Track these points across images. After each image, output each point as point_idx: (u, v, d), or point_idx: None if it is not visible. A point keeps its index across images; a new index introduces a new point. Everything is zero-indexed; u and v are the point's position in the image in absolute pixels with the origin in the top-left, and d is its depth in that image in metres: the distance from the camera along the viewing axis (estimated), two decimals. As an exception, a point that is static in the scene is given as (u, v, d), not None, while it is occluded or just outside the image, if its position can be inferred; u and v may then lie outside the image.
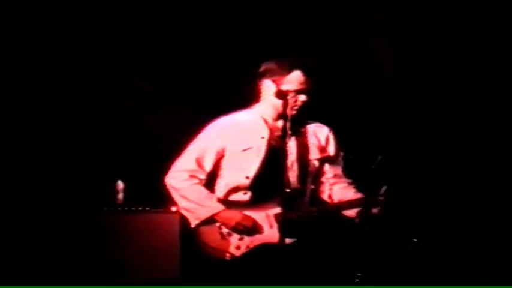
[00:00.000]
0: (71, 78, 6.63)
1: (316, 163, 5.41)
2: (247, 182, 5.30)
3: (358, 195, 5.36)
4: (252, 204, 5.32)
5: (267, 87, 5.31)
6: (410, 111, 6.66)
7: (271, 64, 5.33)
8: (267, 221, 5.26)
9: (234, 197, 5.33)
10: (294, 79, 5.28)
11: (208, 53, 6.72)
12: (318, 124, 5.47)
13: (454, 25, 6.71)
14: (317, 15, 6.76)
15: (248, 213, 5.27)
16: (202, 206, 5.26)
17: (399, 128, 6.61)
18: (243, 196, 5.32)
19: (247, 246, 5.23)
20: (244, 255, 5.22)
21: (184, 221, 5.67)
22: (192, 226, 5.28)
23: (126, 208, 6.17)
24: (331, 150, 5.45)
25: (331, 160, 5.44)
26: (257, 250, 5.22)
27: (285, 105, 5.21)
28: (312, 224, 5.30)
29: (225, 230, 5.25)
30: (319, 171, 5.44)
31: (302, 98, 5.26)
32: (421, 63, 6.75)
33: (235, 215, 5.24)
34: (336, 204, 5.37)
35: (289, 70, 5.28)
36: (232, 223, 5.22)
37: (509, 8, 6.57)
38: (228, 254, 5.23)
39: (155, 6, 6.67)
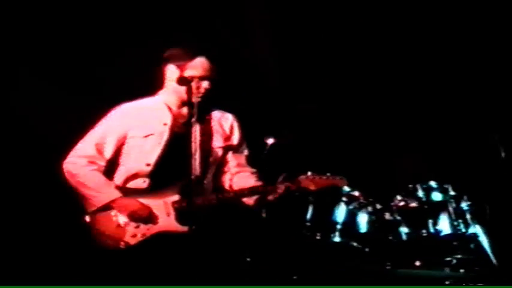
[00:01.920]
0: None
1: (220, 151, 5.37)
2: (147, 169, 5.20)
3: (259, 184, 5.35)
4: (150, 191, 5.22)
5: (171, 72, 5.25)
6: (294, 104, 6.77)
7: (176, 50, 5.28)
8: (164, 209, 5.17)
9: (132, 184, 5.22)
10: (198, 65, 5.24)
11: (102, 53, 6.61)
12: (223, 112, 5.42)
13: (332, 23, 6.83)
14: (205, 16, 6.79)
15: (145, 201, 5.17)
16: (100, 192, 5.14)
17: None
18: (142, 184, 5.22)
19: (143, 235, 5.11)
20: (139, 243, 5.11)
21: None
22: (88, 212, 5.15)
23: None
24: (235, 138, 5.41)
25: (234, 149, 5.41)
26: (153, 238, 5.12)
27: (188, 91, 5.16)
28: (211, 212, 5.22)
29: (121, 218, 5.14)
30: (223, 160, 5.41)
31: (205, 84, 5.22)
32: (301, 61, 6.81)
33: (131, 203, 5.13)
34: (235, 192, 5.31)
35: (193, 56, 5.24)
36: (128, 211, 5.11)
37: None
38: (122, 243, 5.11)
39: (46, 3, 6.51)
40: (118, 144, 5.20)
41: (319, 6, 6.90)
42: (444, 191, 6.37)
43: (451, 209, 6.31)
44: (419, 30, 6.89)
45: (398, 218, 6.37)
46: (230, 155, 5.37)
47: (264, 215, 5.53)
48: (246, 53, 6.93)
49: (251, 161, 5.45)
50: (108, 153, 5.18)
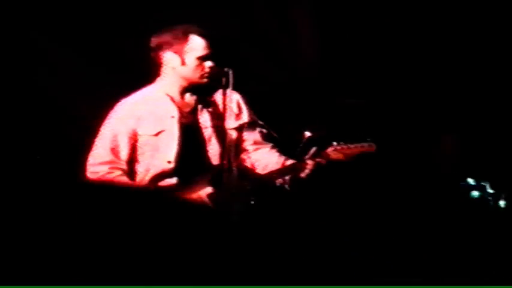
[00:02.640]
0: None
1: (234, 132, 5.29)
2: (170, 166, 5.15)
3: (282, 159, 5.30)
4: (181, 187, 5.17)
5: (170, 60, 5.19)
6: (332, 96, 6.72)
7: (164, 36, 5.22)
8: (201, 202, 5.12)
9: (163, 183, 5.18)
10: (197, 45, 5.18)
11: (127, 26, 6.55)
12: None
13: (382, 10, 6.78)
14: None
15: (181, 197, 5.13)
16: None
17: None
18: (171, 180, 5.18)
19: None
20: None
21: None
22: None
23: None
24: (245, 116, 5.35)
25: (247, 126, 5.34)
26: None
27: (195, 74, 5.14)
28: (247, 198, 5.20)
29: None
30: (239, 140, 5.33)
31: (209, 63, 5.16)
32: (344, 49, 6.77)
33: None
34: (267, 174, 5.26)
35: (185, 37, 5.19)
36: None
37: None
38: None
39: None
40: (131, 143, 5.18)
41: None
42: (482, 189, 6.18)
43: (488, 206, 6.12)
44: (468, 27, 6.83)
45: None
46: (245, 133, 5.31)
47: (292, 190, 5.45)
48: (288, 42, 6.89)
49: (282, 148, 5.43)
50: (125, 155, 5.16)
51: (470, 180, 6.13)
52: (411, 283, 5.57)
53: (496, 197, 6.10)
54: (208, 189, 5.08)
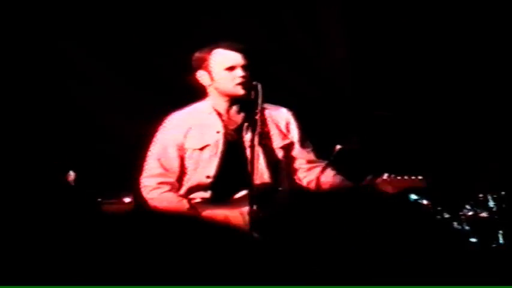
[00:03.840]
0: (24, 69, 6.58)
1: (281, 152, 5.30)
2: (208, 181, 5.20)
3: (339, 178, 5.35)
4: (220, 202, 5.22)
5: (203, 78, 5.22)
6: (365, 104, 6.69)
7: (195, 56, 5.26)
8: (242, 219, 5.12)
9: (195, 195, 5.22)
10: (219, 57, 5.18)
11: (161, 44, 6.69)
12: (275, 107, 5.33)
13: (411, 17, 6.74)
14: (270, 5, 6.77)
15: (222, 212, 5.15)
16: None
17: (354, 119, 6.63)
18: (204, 194, 5.22)
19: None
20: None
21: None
22: None
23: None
24: (295, 135, 5.34)
25: (297, 145, 5.34)
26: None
27: (226, 86, 5.13)
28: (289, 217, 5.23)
29: None
30: (289, 159, 5.33)
31: (239, 73, 5.13)
32: (375, 57, 6.76)
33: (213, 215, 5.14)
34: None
35: (210, 53, 5.21)
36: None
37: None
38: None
39: None
40: (180, 155, 5.20)
41: (400, 10, 6.82)
42: None
43: None
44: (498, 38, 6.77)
45: (467, 228, 6.22)
46: (296, 152, 5.31)
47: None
48: (319, 55, 6.88)
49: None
50: (174, 167, 5.19)
51: (504, 193, 6.18)
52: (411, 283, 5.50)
53: None
54: (247, 208, 5.07)
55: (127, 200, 5.97)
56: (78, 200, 5.98)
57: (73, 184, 6.04)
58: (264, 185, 5.19)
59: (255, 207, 5.01)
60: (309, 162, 5.32)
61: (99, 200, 6.04)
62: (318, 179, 5.34)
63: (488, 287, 5.27)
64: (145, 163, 5.26)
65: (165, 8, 6.65)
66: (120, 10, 6.65)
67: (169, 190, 5.21)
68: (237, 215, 5.14)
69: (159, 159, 5.20)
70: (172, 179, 5.21)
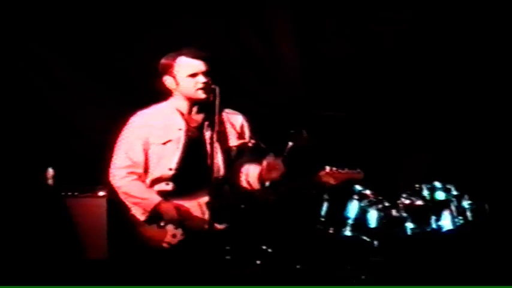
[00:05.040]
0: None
1: (235, 150, 5.63)
2: (170, 173, 5.47)
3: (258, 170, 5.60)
4: (180, 194, 5.49)
5: (169, 83, 5.52)
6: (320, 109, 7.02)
7: (162, 62, 5.54)
8: (199, 209, 5.47)
9: (158, 187, 5.50)
10: (182, 64, 5.45)
11: (125, 45, 7.01)
12: (232, 112, 5.63)
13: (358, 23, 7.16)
14: (227, 13, 7.10)
15: (181, 202, 5.46)
16: (144, 199, 5.47)
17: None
18: (166, 186, 5.50)
19: (182, 234, 5.44)
20: (179, 242, 5.43)
21: (111, 204, 6.20)
22: (142, 219, 5.46)
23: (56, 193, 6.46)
24: (247, 137, 5.64)
25: (247, 146, 5.64)
26: (191, 237, 5.42)
27: (189, 90, 5.42)
28: (239, 208, 5.57)
29: (162, 221, 5.45)
30: (238, 158, 5.64)
31: (201, 79, 5.42)
32: (322, 64, 7.14)
33: (170, 206, 5.43)
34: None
35: (174, 60, 5.48)
36: (171, 214, 5.42)
37: None
38: (165, 244, 5.42)
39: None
40: (145, 150, 5.51)
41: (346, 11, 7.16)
42: (447, 191, 6.66)
43: (453, 207, 6.61)
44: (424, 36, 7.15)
45: (405, 214, 6.65)
46: (243, 152, 5.65)
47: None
48: (270, 57, 7.23)
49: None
50: (140, 159, 5.51)
51: (437, 183, 6.68)
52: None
53: (460, 198, 6.68)
54: (207, 198, 5.41)
55: (101, 193, 6.46)
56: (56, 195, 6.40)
57: (51, 180, 6.50)
58: (219, 178, 5.49)
59: (212, 198, 5.30)
60: (252, 162, 5.63)
61: (75, 194, 6.49)
62: (248, 180, 5.66)
63: (488, 287, 5.57)
64: (114, 156, 5.57)
65: (134, 12, 7.00)
66: (91, 12, 6.95)
67: (137, 179, 5.54)
68: (195, 205, 5.48)
69: (126, 153, 5.52)
70: (140, 170, 5.54)
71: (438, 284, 6.10)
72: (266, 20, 7.23)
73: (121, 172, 5.53)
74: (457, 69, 7.16)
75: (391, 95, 7.24)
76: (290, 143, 5.81)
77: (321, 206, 6.64)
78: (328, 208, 6.64)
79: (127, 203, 5.52)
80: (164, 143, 5.51)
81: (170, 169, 5.49)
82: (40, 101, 6.99)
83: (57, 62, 7.04)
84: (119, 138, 5.58)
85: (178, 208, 5.45)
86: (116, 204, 5.79)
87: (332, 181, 5.70)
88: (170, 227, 5.44)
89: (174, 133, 5.52)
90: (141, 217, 5.47)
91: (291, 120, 6.59)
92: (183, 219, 5.43)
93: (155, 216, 5.45)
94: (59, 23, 6.96)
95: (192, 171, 5.47)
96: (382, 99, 7.24)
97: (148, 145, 5.51)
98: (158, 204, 5.45)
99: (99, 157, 6.03)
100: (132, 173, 5.51)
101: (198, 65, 5.47)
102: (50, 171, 6.53)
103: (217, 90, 5.36)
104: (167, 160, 5.50)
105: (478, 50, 7.13)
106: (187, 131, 5.52)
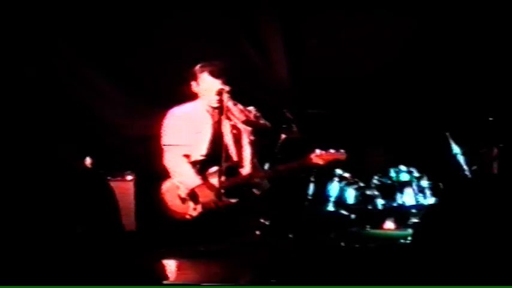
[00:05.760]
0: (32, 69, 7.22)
1: (246, 136, 6.31)
2: (201, 158, 6.20)
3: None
4: (202, 174, 6.14)
5: (195, 87, 6.27)
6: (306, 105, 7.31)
7: (192, 70, 6.22)
8: (213, 187, 6.11)
9: (195, 169, 6.20)
10: (204, 79, 6.16)
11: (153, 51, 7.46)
12: (244, 108, 6.26)
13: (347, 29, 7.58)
14: (226, 27, 7.58)
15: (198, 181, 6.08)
16: (189, 178, 6.13)
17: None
18: (194, 168, 6.20)
19: (202, 207, 6.11)
20: (199, 214, 6.09)
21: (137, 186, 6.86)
22: (182, 196, 6.10)
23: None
24: (255, 118, 6.30)
25: (255, 125, 6.30)
26: (208, 211, 6.09)
27: (210, 100, 6.15)
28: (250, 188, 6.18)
29: (182, 195, 6.09)
30: (250, 147, 6.30)
31: (216, 97, 6.14)
32: (310, 69, 7.63)
33: (206, 187, 6.06)
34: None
35: (200, 73, 6.19)
36: (206, 193, 6.05)
37: None
38: (188, 216, 6.09)
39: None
40: (185, 137, 6.22)
41: (329, 33, 7.57)
42: (410, 173, 7.38)
43: (414, 186, 7.32)
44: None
45: (376, 193, 7.40)
46: (252, 142, 6.42)
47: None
48: (261, 62, 7.70)
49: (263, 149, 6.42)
50: (185, 144, 6.19)
51: (402, 167, 7.44)
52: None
53: (420, 179, 7.43)
54: (222, 179, 6.03)
55: (129, 177, 7.11)
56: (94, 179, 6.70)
57: (90, 167, 7.12)
58: (233, 164, 6.19)
59: (223, 179, 5.99)
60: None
61: (108, 178, 7.00)
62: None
63: (487, 286, 5.23)
64: (164, 142, 6.18)
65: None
66: (117, 14, 7.33)
67: (187, 162, 6.17)
68: (210, 184, 6.14)
69: (174, 139, 6.19)
70: (188, 153, 6.17)
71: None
72: (260, 32, 7.66)
73: (173, 156, 6.22)
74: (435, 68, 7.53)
75: (369, 96, 7.70)
76: (283, 135, 6.58)
77: (308, 186, 7.21)
78: (314, 188, 7.22)
79: (175, 181, 6.15)
80: (197, 133, 6.24)
81: (202, 155, 6.24)
82: (79, 103, 7.51)
83: (95, 71, 7.50)
84: (163, 129, 6.27)
85: (197, 186, 6.08)
86: (142, 186, 6.68)
87: (321, 162, 6.20)
88: (191, 202, 6.11)
89: (204, 126, 6.28)
90: (182, 194, 6.14)
91: (282, 118, 6.83)
92: (199, 196, 6.07)
93: (193, 194, 6.11)
94: (90, 25, 7.33)
95: (214, 157, 6.14)
96: (360, 99, 7.69)
97: (187, 134, 6.21)
98: (198, 186, 6.13)
99: (127, 148, 6.95)
100: (185, 155, 6.22)
101: (216, 84, 6.17)
102: (88, 160, 7.08)
103: (225, 91, 6.15)
104: (199, 148, 6.23)
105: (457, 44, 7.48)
106: (213, 125, 6.27)
